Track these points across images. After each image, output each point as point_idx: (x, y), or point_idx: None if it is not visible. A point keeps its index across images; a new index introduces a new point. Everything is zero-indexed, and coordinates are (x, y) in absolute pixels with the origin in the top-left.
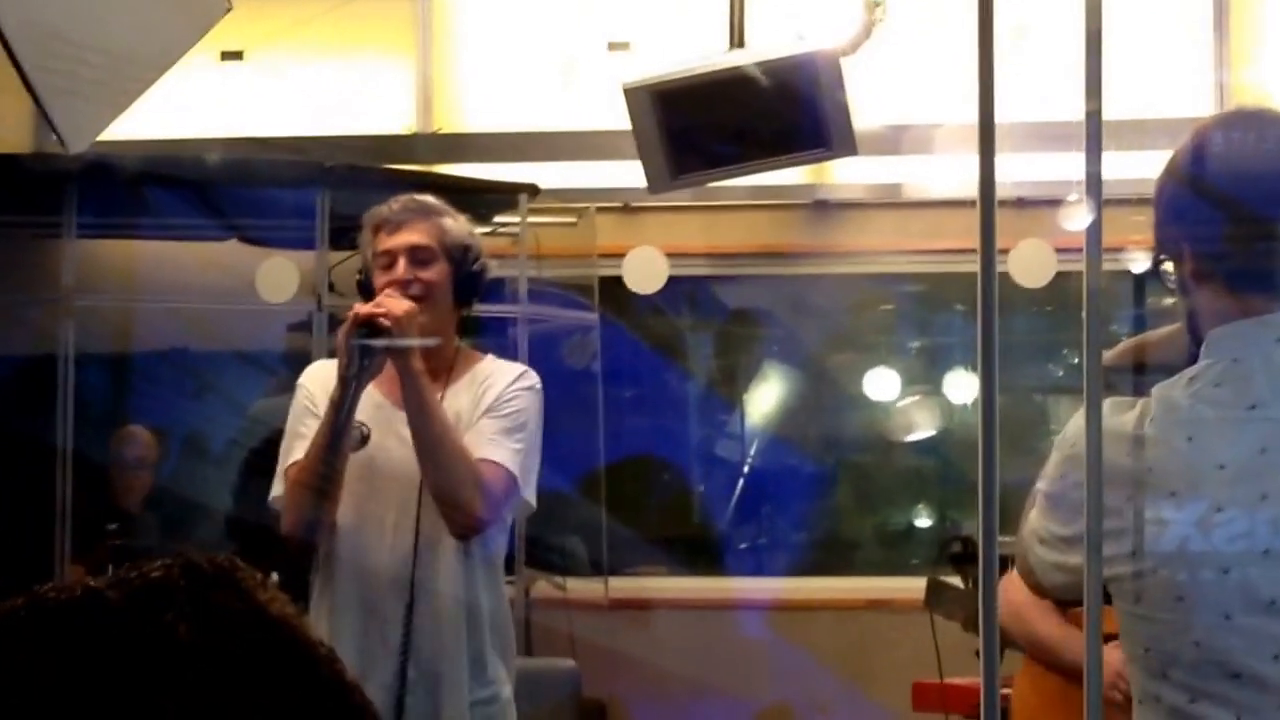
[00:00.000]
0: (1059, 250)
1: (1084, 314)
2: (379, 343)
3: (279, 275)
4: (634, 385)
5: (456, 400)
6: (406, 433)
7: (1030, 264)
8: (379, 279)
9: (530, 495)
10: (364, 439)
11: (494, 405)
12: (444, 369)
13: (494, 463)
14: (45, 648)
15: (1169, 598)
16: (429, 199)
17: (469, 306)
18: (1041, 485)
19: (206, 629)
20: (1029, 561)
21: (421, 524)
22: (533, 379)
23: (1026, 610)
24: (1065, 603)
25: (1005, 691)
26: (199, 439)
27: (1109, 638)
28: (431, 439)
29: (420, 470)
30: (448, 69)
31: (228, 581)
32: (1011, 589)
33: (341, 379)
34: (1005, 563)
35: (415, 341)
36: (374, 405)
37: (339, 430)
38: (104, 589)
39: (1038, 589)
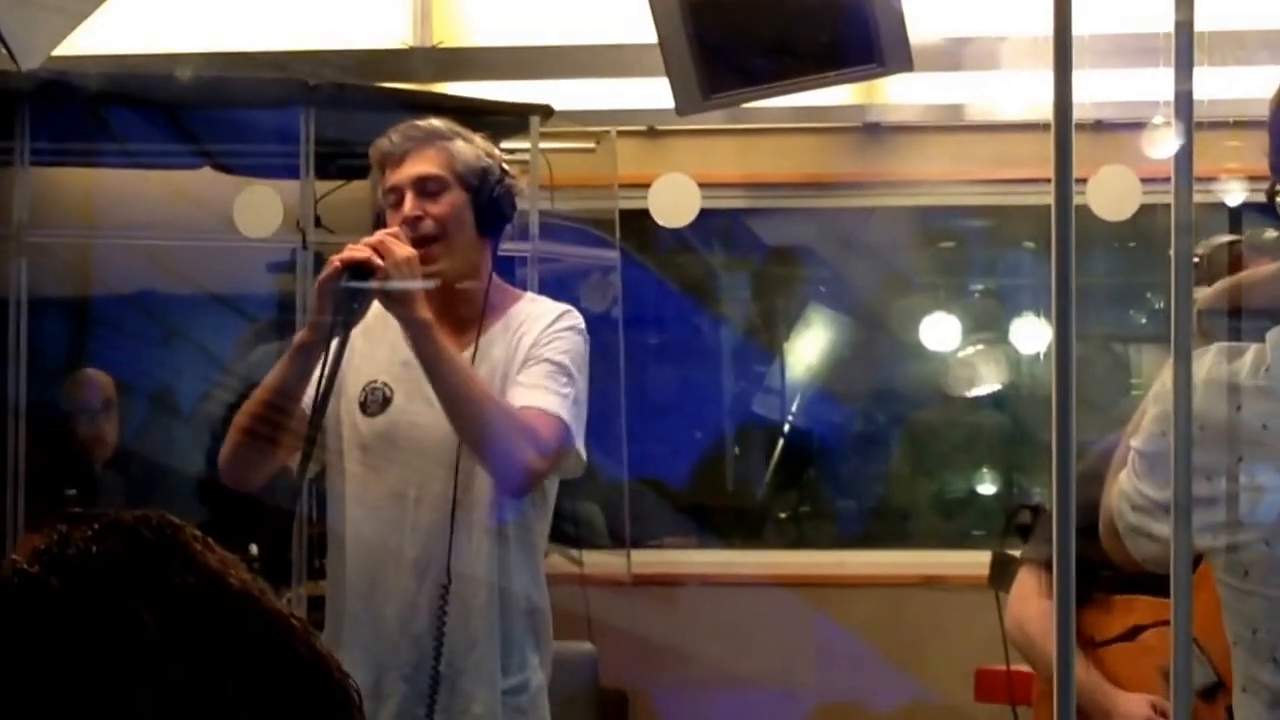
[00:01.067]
0: (1143, 180)
1: (1171, 251)
2: (370, 285)
3: (260, 206)
4: (659, 332)
5: (490, 351)
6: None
7: (1112, 193)
8: (390, 219)
9: (582, 449)
10: (385, 401)
11: (533, 351)
12: (476, 314)
13: (540, 410)
14: None
15: None
16: (434, 122)
17: (498, 237)
18: (1135, 442)
19: (171, 614)
20: (1117, 530)
21: (458, 500)
22: (576, 319)
23: (1036, 627)
24: (1117, 586)
25: None
26: (168, 392)
27: (1138, 629)
28: (457, 393)
29: (455, 432)
30: None
31: (174, 550)
32: (1022, 599)
33: (313, 325)
34: (1081, 533)
35: (413, 284)
36: (400, 364)
37: (298, 375)
38: (39, 573)
39: (1127, 562)
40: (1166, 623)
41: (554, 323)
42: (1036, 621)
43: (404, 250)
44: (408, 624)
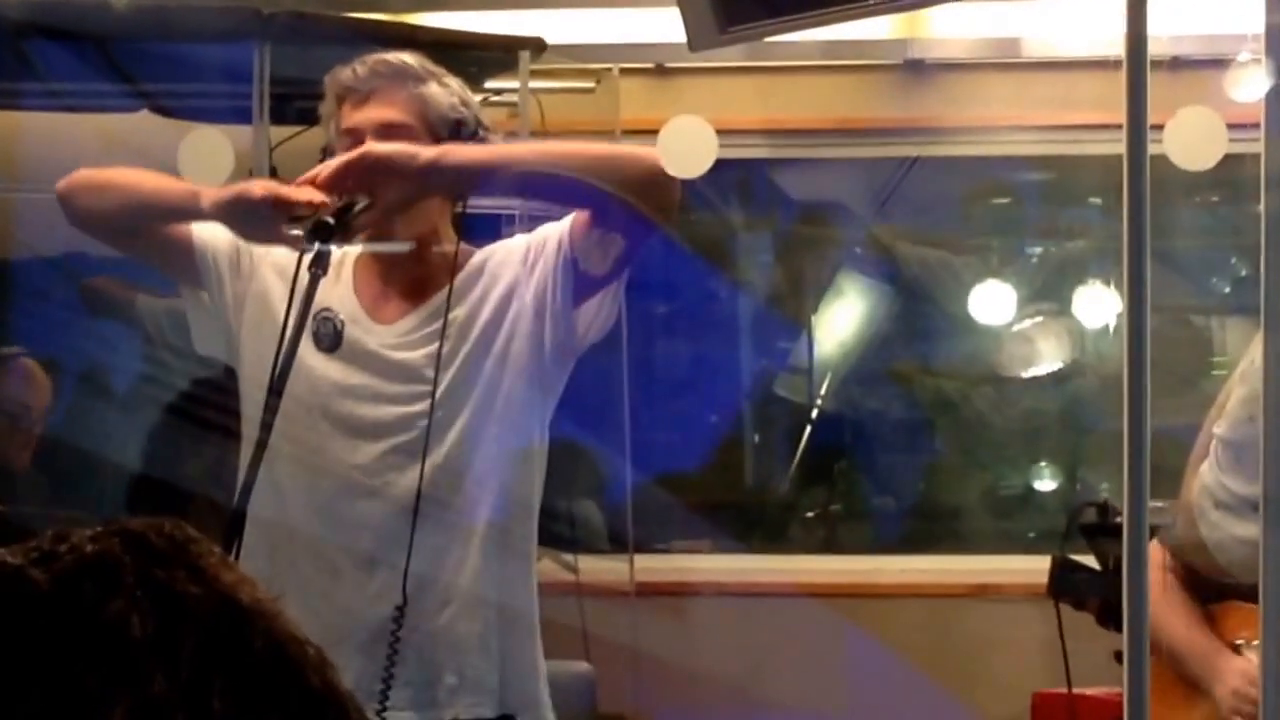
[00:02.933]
0: (1228, 126)
1: (1261, 207)
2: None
3: (207, 152)
4: (668, 302)
5: (467, 312)
6: (390, 358)
7: (1193, 139)
8: None
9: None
10: (337, 335)
11: (536, 251)
12: (438, 278)
13: None
14: None
15: None
16: (407, 59)
17: (465, 197)
18: (1220, 430)
19: (167, 621)
20: (1199, 531)
21: (426, 478)
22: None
23: (1158, 599)
24: (1211, 594)
25: None
26: (99, 371)
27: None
28: (546, 162)
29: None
30: None
31: (184, 559)
32: (1150, 573)
33: (217, 206)
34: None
35: (381, 246)
36: (348, 317)
37: (173, 214)
38: (24, 565)
39: (1209, 567)
40: None
41: (531, 236)
42: (1154, 589)
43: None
44: (346, 651)
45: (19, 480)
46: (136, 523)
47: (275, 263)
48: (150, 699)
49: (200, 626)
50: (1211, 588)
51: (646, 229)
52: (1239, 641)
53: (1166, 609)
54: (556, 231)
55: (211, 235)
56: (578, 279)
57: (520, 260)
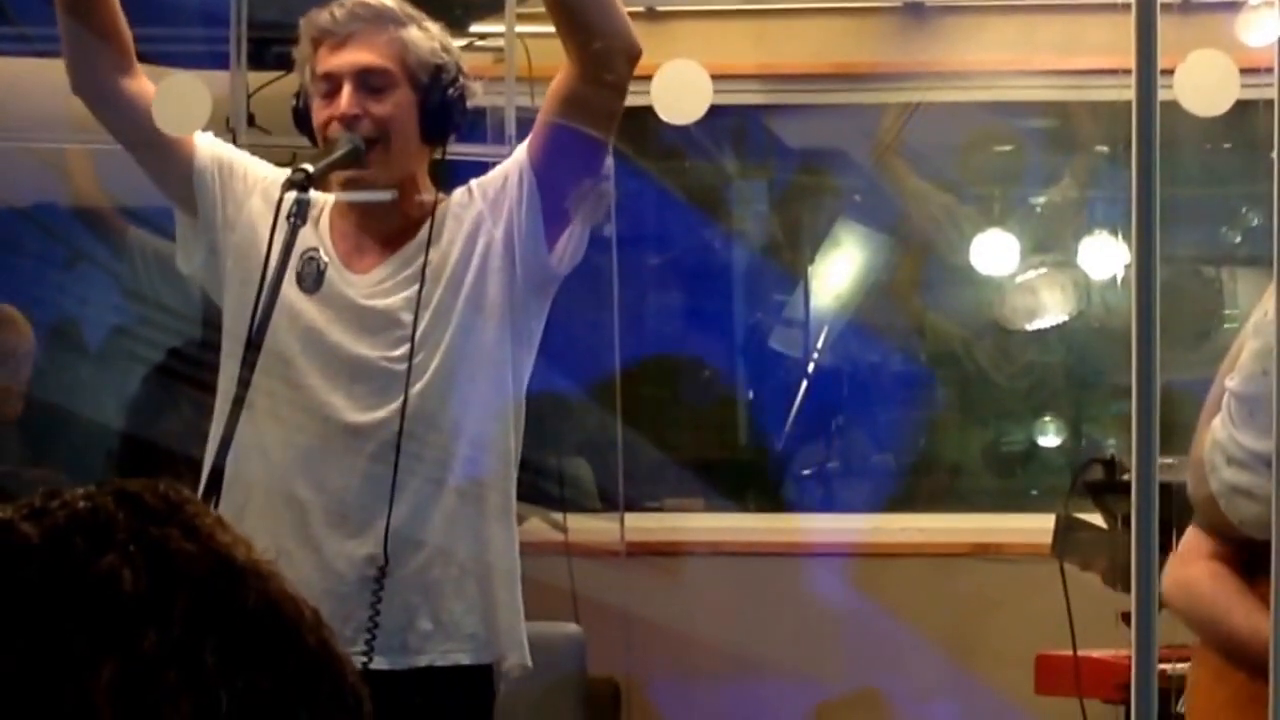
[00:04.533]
0: (1240, 72)
1: (1275, 154)
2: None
3: (183, 99)
4: (660, 253)
5: (439, 255)
6: (365, 306)
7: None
8: (318, 110)
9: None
10: (319, 277)
11: (488, 195)
12: (412, 225)
13: None
14: None
15: None
16: (387, 3)
17: (442, 145)
18: (1232, 384)
19: (160, 577)
20: (1209, 487)
21: (406, 432)
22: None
23: (1205, 586)
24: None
25: (1163, 668)
26: (72, 325)
27: None
28: None
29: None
30: None
31: (178, 518)
32: (1188, 558)
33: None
34: (1167, 492)
35: (361, 196)
36: (320, 256)
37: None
38: (14, 519)
39: (1221, 525)
40: None
41: (493, 170)
42: (1204, 580)
43: None
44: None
45: (6, 433)
46: (131, 483)
47: (266, 190)
48: (141, 655)
49: (194, 584)
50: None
51: (602, 139)
52: None
53: (1222, 600)
54: (515, 163)
55: (212, 155)
56: (543, 202)
57: (481, 197)
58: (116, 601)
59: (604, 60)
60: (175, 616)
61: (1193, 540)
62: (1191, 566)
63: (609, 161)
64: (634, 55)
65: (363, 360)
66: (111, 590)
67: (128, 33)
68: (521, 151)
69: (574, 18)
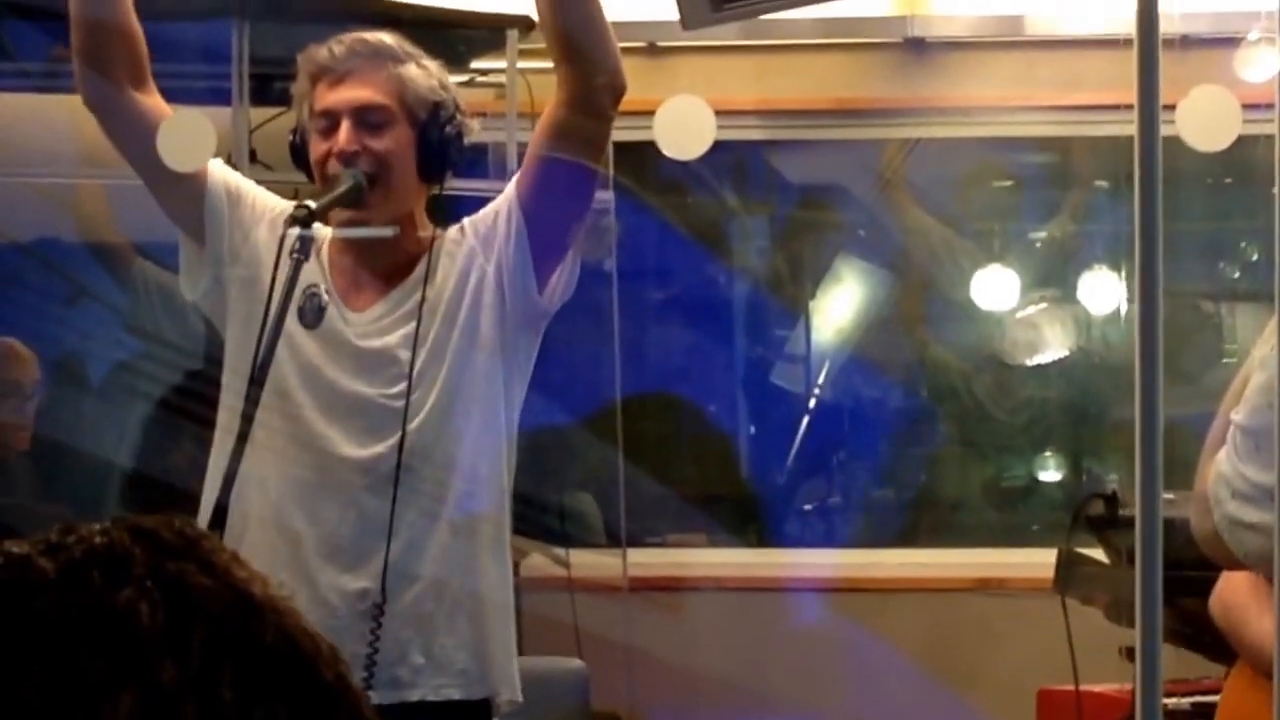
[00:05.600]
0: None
1: (1275, 189)
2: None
3: (188, 134)
4: (661, 288)
5: (442, 293)
6: (363, 346)
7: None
8: (316, 146)
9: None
10: (320, 313)
11: (479, 231)
12: (410, 261)
13: None
14: None
15: None
16: (385, 39)
17: (439, 181)
18: (1238, 416)
19: (177, 611)
20: (1212, 521)
21: (405, 466)
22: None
23: (1236, 597)
24: None
25: (1167, 702)
26: (75, 361)
27: None
28: None
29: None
30: None
31: (195, 553)
32: (1234, 584)
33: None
34: (1169, 527)
35: (360, 232)
36: (321, 293)
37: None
38: (31, 555)
39: (1225, 559)
40: None
41: (485, 208)
42: (1237, 591)
43: None
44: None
45: (15, 466)
46: (147, 519)
47: (273, 221)
48: (159, 687)
49: (211, 618)
50: None
51: (589, 173)
52: None
53: (1256, 606)
54: (505, 199)
55: (224, 182)
56: (531, 238)
57: (474, 233)
58: (134, 635)
59: (594, 89)
60: (193, 650)
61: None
62: (1231, 578)
63: (609, 196)
64: (621, 89)
65: (360, 397)
66: (129, 624)
67: (142, 43)
68: (511, 188)
69: (570, 46)
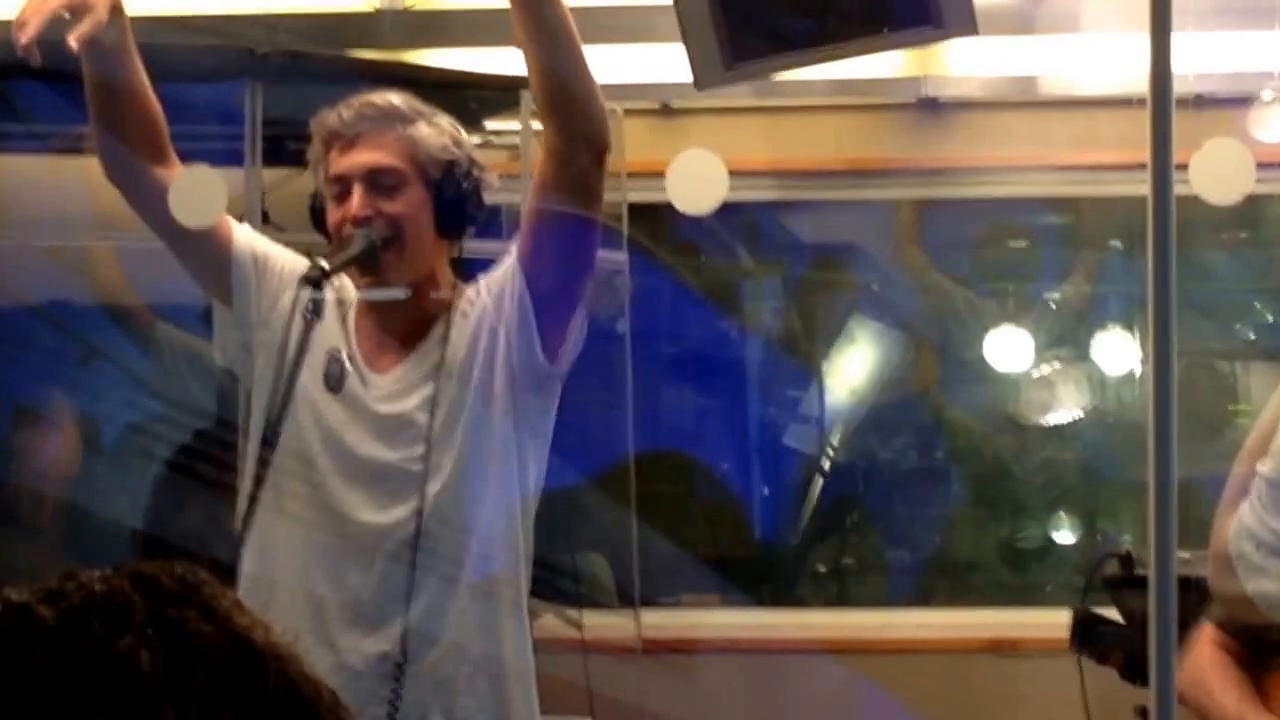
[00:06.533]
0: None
1: None
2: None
3: (199, 190)
4: (675, 348)
5: (457, 354)
6: (382, 412)
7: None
8: (331, 212)
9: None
10: (343, 377)
11: (491, 291)
12: (430, 324)
13: None
14: None
15: None
16: (394, 100)
17: (459, 238)
18: (1264, 469)
19: (177, 659)
20: (1232, 577)
21: (424, 530)
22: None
23: (1209, 674)
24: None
25: None
26: (87, 423)
27: None
28: (563, 19)
29: (543, 76)
30: None
31: (195, 599)
32: (1197, 648)
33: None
34: (1186, 587)
35: (378, 294)
36: (344, 358)
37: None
38: (31, 603)
39: (1243, 610)
40: None
41: (494, 268)
42: (1203, 668)
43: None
44: (359, 706)
45: (41, 535)
46: (148, 565)
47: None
48: None
49: (212, 664)
50: (1261, 656)
51: (584, 226)
52: None
53: (1217, 679)
54: (510, 260)
55: (249, 248)
56: (533, 298)
57: (487, 293)
58: (134, 682)
59: (575, 148)
60: (193, 697)
61: (1206, 631)
62: (1199, 654)
63: (623, 256)
64: (602, 149)
65: (379, 461)
66: (129, 671)
67: (162, 121)
68: (512, 259)
69: (551, 105)
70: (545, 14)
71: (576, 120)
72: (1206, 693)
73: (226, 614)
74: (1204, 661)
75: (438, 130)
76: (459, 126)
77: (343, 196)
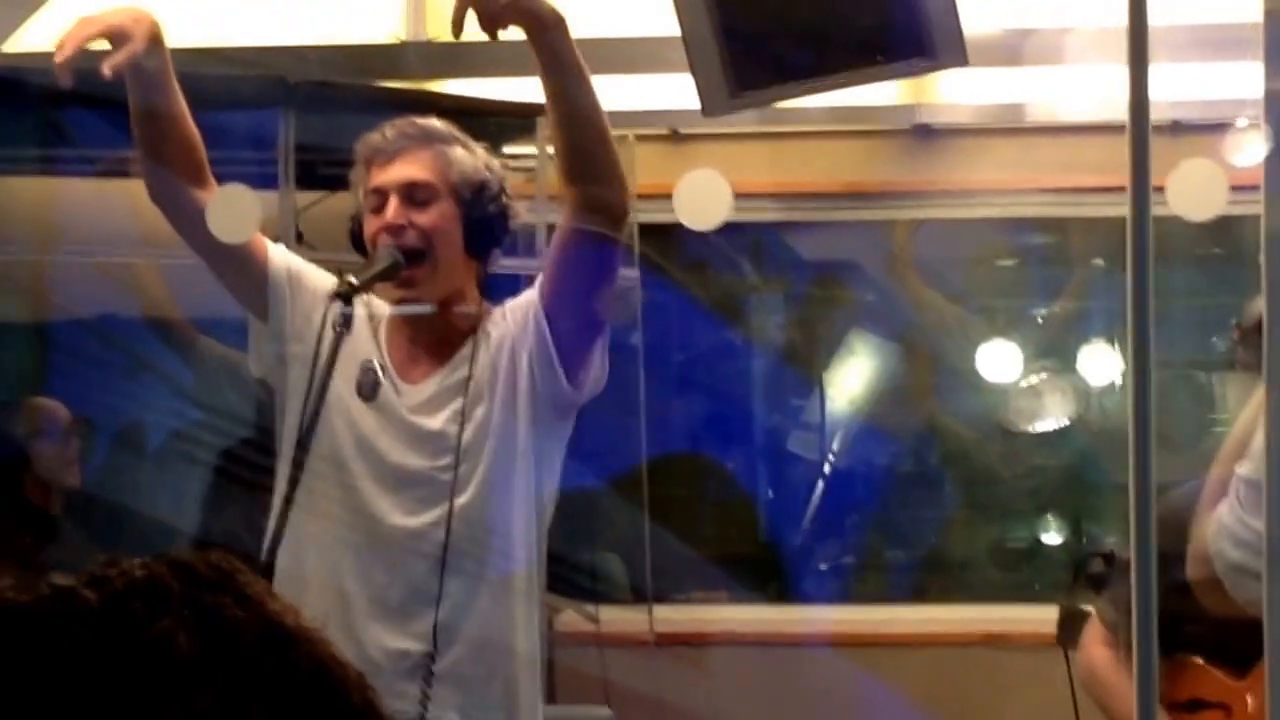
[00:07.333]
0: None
1: (1261, 258)
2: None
3: (234, 207)
4: (684, 361)
5: (485, 371)
6: (414, 421)
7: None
8: (369, 223)
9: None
10: (375, 387)
11: (518, 317)
12: (458, 341)
13: None
14: (3, 658)
15: None
16: (434, 123)
17: (487, 258)
18: (1243, 470)
19: (212, 640)
20: (1209, 571)
21: (453, 531)
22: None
23: (1106, 673)
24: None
25: None
26: (135, 429)
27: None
28: (590, 100)
29: (570, 150)
30: None
31: (229, 586)
32: (1089, 645)
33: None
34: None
35: (407, 309)
36: (377, 368)
37: (150, 92)
38: (76, 587)
39: (1222, 606)
40: (1224, 706)
41: (523, 294)
42: (1105, 667)
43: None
44: (389, 689)
45: (57, 520)
46: (185, 553)
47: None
48: (195, 713)
49: (245, 646)
50: (1201, 642)
51: (602, 280)
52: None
53: (1113, 679)
54: (533, 295)
55: (285, 267)
56: (554, 335)
57: (511, 317)
58: (171, 661)
59: (596, 211)
60: (228, 676)
61: (1096, 629)
62: (1092, 653)
63: (635, 274)
64: (622, 216)
65: (410, 469)
66: (167, 651)
67: (201, 146)
68: (534, 294)
69: (574, 172)
70: (576, 102)
71: (598, 193)
72: (1104, 689)
73: (259, 599)
74: (1097, 661)
75: (472, 154)
76: (492, 154)
77: (380, 208)
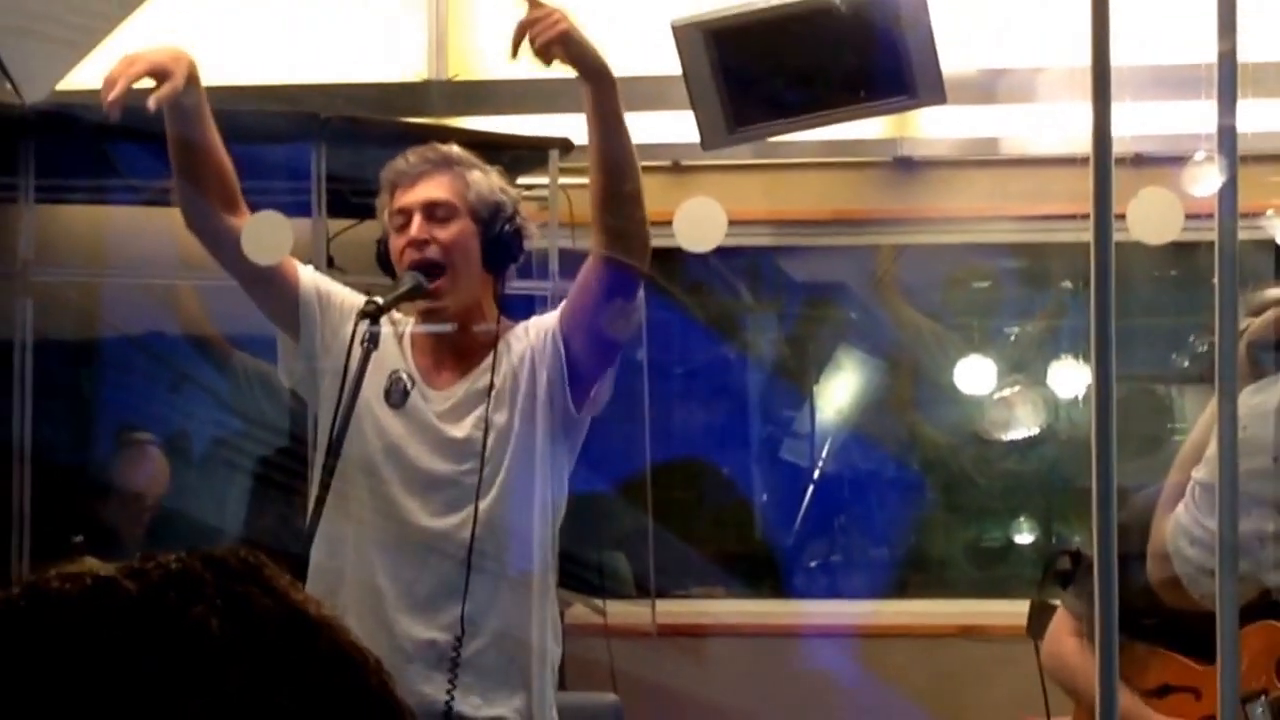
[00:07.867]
0: (1186, 217)
1: (1215, 280)
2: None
3: (268, 231)
4: (685, 375)
5: (506, 382)
6: (441, 428)
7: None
8: (394, 242)
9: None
10: (404, 394)
11: (536, 336)
12: (479, 351)
13: None
14: (50, 643)
15: None
16: (453, 149)
17: (503, 274)
18: (1200, 475)
19: (241, 626)
20: (1170, 568)
21: (479, 534)
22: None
23: (1073, 658)
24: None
25: None
26: (181, 439)
27: (1168, 689)
28: (629, 152)
29: (606, 199)
30: (464, 6)
31: (257, 578)
32: (1058, 638)
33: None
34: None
35: (427, 328)
36: (404, 377)
37: (186, 122)
38: (116, 577)
39: (1180, 601)
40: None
41: (545, 316)
42: (1073, 655)
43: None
44: (409, 684)
45: (107, 523)
46: (216, 549)
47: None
48: (225, 693)
49: (270, 632)
50: (1159, 631)
51: (622, 323)
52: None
53: (1083, 665)
54: (553, 321)
55: (315, 287)
56: (569, 364)
57: (532, 335)
58: (205, 645)
59: (621, 267)
60: (256, 660)
61: (1064, 621)
62: (1063, 643)
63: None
64: (644, 270)
65: (437, 473)
66: (200, 635)
67: (234, 177)
68: (555, 317)
69: (607, 231)
70: (617, 148)
71: (625, 227)
72: (1071, 674)
73: (284, 590)
74: (1066, 649)
75: (488, 178)
76: (505, 179)
77: (404, 227)
